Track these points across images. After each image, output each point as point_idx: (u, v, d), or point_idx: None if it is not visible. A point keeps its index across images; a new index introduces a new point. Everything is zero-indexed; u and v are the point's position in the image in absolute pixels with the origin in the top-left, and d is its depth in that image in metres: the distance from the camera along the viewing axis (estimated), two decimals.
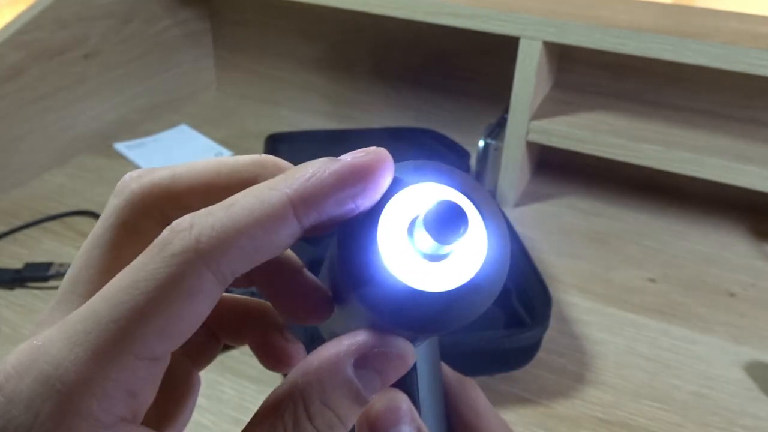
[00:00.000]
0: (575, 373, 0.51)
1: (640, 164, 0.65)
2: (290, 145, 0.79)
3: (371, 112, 0.93)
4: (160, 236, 0.16)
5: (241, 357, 0.51)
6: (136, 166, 0.78)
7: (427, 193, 0.18)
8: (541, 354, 0.51)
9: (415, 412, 0.19)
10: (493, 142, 0.72)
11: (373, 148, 0.17)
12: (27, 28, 0.69)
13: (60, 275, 0.58)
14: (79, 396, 0.15)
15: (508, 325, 0.53)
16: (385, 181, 0.17)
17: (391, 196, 0.17)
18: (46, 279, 0.57)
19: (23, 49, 0.69)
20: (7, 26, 0.68)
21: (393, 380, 0.18)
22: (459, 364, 0.49)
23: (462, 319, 0.17)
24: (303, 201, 0.16)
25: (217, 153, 0.82)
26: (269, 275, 0.21)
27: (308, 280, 0.21)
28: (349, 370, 0.17)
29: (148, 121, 0.90)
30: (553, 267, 0.63)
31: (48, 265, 0.58)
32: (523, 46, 0.64)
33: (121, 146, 0.82)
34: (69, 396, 0.15)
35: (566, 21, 0.61)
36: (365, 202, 0.17)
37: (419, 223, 0.17)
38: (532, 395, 0.49)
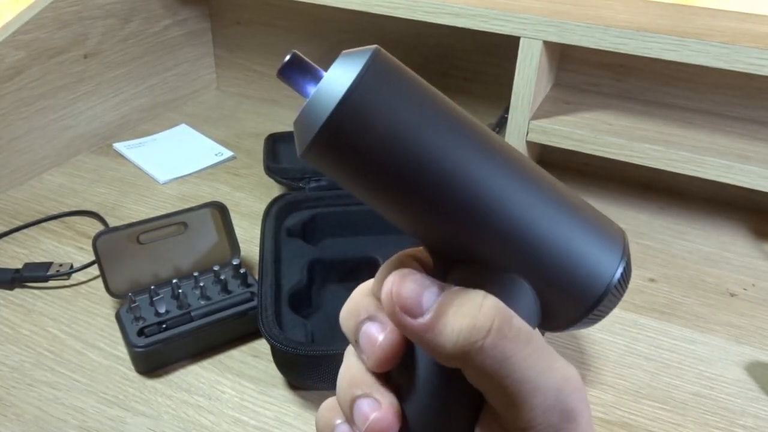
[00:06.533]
0: None
1: (640, 164, 0.65)
2: (290, 145, 0.79)
3: None
4: None
5: (241, 357, 0.51)
6: (136, 166, 0.78)
7: None
8: None
9: None
10: None
11: None
12: (27, 28, 0.69)
13: (60, 275, 0.58)
14: None
15: None
16: None
17: None
18: (45, 279, 0.57)
19: (23, 49, 0.69)
20: (7, 26, 0.68)
21: None
22: None
23: None
24: None
25: (217, 153, 0.82)
26: None
27: None
28: None
29: (148, 120, 0.90)
30: None
31: (47, 265, 0.58)
32: (523, 46, 0.64)
33: (120, 146, 0.82)
34: None
35: (566, 21, 0.61)
36: None
37: None
38: None
